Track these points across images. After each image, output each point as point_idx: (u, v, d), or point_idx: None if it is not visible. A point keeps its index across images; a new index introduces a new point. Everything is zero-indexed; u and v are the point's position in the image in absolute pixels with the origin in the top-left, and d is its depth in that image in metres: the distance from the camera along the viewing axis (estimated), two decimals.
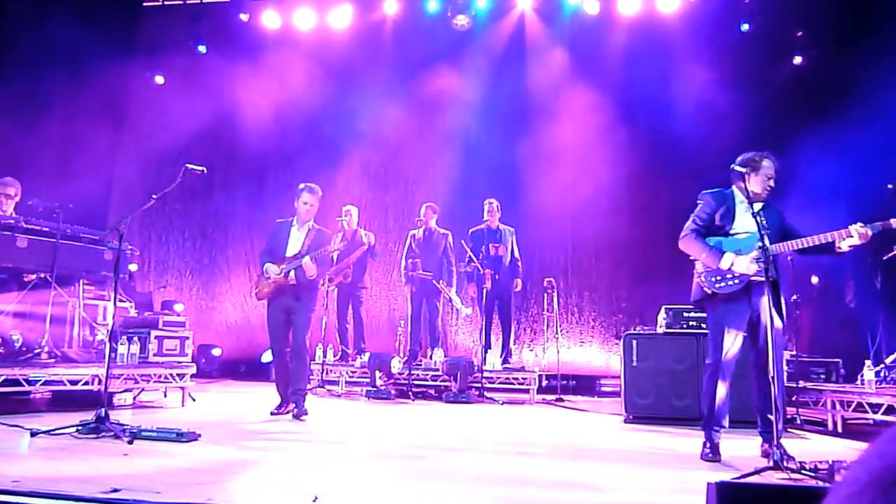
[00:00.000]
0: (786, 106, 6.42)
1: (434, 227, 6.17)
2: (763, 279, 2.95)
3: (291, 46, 7.75)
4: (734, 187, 3.13)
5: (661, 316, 4.42)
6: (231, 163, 7.55)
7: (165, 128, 7.21)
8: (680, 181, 5.93)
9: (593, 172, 6.86)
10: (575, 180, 7.09)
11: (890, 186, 5.00)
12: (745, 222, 3.07)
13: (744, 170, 2.97)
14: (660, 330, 4.40)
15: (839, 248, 2.85)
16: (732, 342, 2.98)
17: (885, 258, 4.84)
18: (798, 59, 6.86)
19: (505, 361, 5.99)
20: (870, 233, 2.80)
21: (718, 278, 3.01)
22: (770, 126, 6.33)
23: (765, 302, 2.95)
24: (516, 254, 6.19)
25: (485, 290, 5.77)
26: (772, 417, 2.97)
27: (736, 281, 2.97)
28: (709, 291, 3.04)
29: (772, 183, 3.06)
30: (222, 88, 7.42)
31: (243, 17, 7.79)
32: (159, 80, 7.90)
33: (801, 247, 2.92)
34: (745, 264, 2.95)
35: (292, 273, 4.14)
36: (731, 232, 3.06)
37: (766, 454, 3.03)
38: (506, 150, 7.08)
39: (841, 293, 6.16)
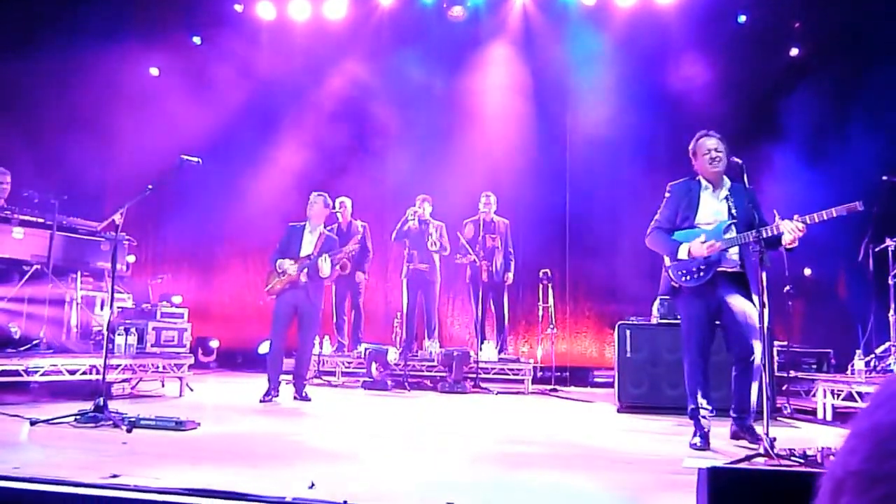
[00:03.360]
0: (782, 97, 6.43)
1: (428, 219, 6.18)
2: (730, 271, 2.99)
3: (286, 37, 7.71)
4: (700, 175, 3.14)
5: (656, 306, 4.46)
6: (226, 154, 7.53)
7: (161, 119, 7.17)
8: (676, 172, 5.92)
9: (589, 163, 6.87)
10: (571, 171, 7.10)
11: (885, 178, 5.04)
12: (710, 210, 3.07)
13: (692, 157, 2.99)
14: (654, 320, 4.45)
15: (785, 244, 2.80)
16: (702, 333, 3.03)
17: (876, 250, 4.89)
18: (795, 51, 6.86)
19: (501, 351, 6.04)
20: (802, 227, 2.71)
21: (684, 272, 3.03)
22: (767, 117, 6.35)
23: (734, 291, 2.97)
24: (510, 247, 6.22)
25: (480, 282, 5.80)
26: (751, 403, 3.01)
27: (700, 274, 2.98)
28: (675, 285, 3.08)
29: (713, 154, 3.00)
30: (217, 79, 7.38)
31: (238, 7, 7.73)
32: (154, 71, 7.85)
33: (750, 240, 2.86)
34: (697, 247, 2.94)
35: (305, 272, 4.40)
36: (696, 223, 3.07)
37: (735, 436, 3.09)
38: (501, 140, 7.08)
39: (833, 285, 6.22)
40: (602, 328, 7.04)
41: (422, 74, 7.29)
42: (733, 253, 3.00)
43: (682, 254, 3.00)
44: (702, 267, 2.98)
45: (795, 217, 2.76)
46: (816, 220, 2.74)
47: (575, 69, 7.08)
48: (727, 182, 3.09)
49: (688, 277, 3.02)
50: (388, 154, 7.59)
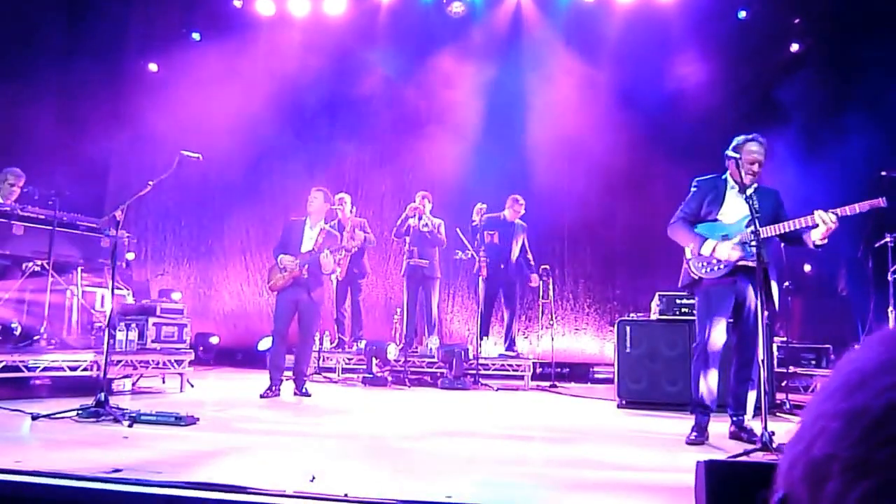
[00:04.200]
0: (782, 93, 6.42)
1: (428, 216, 6.19)
2: (750, 265, 3.00)
3: (286, 33, 7.70)
4: (728, 173, 3.16)
5: (655, 303, 4.47)
6: (226, 150, 7.52)
7: (160, 116, 7.17)
8: (676, 169, 5.94)
9: (589, 160, 6.87)
10: (571, 168, 7.10)
11: (883, 173, 5.04)
12: (734, 208, 3.09)
13: (736, 155, 2.98)
14: (653, 317, 4.46)
15: (813, 240, 2.81)
16: (718, 326, 3.03)
17: (876, 246, 4.89)
18: (795, 47, 6.85)
19: (510, 349, 6.07)
20: (834, 219, 2.73)
21: (704, 264, 3.05)
22: (767, 113, 6.34)
23: (751, 288, 2.99)
24: (528, 249, 6.23)
25: (480, 278, 5.81)
26: (749, 399, 3.01)
27: (721, 266, 3.00)
28: (695, 277, 3.09)
29: (755, 167, 3.03)
30: (217, 76, 7.37)
31: (237, 3, 7.72)
32: (153, 67, 7.85)
33: (780, 231, 2.91)
34: (725, 250, 2.98)
35: (306, 268, 4.41)
36: (719, 218, 3.09)
37: (734, 436, 3.08)
38: (501, 137, 7.08)
39: (833, 281, 6.23)
40: (602, 325, 7.06)
41: (421, 71, 7.28)
42: (755, 248, 3.02)
43: (706, 250, 3.02)
44: (722, 261, 3.00)
45: (830, 212, 2.76)
46: (839, 215, 2.77)
47: (574, 65, 7.07)
48: (753, 184, 3.11)
49: (708, 270, 3.03)
50: (388, 150, 7.59)
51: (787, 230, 2.88)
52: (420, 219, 6.08)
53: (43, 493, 1.78)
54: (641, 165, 6.79)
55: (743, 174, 3.03)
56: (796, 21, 6.84)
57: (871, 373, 0.30)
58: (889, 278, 4.70)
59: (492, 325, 6.42)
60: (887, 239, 4.76)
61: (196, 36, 7.77)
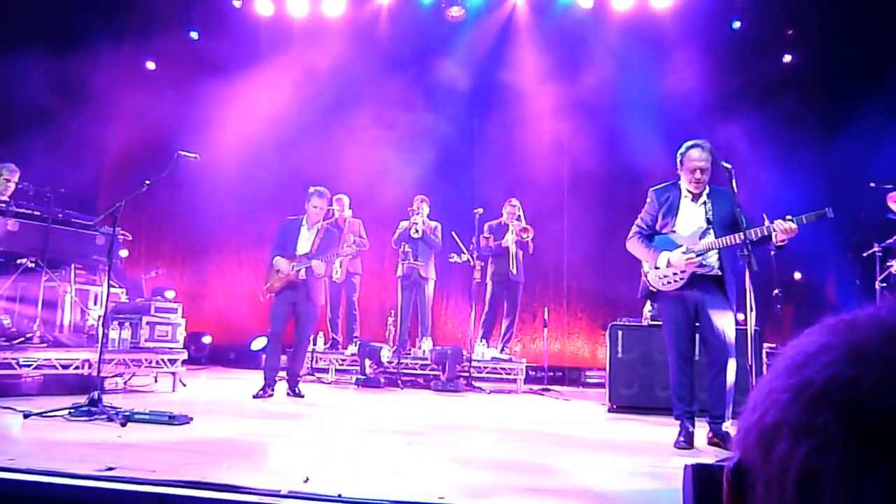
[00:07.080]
0: (775, 103, 6.51)
1: (425, 220, 6.22)
2: (708, 274, 3.01)
3: (284, 34, 7.71)
4: (682, 179, 3.15)
5: (647, 308, 4.51)
6: (223, 150, 7.52)
7: (157, 114, 7.15)
8: (670, 175, 5.99)
9: (584, 165, 6.92)
10: (565, 173, 7.15)
11: (872, 185, 5.12)
12: (689, 216, 3.10)
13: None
14: (645, 322, 4.50)
15: (776, 242, 2.83)
16: (682, 335, 3.06)
17: (864, 255, 4.97)
18: (788, 58, 6.96)
19: (503, 352, 6.10)
20: (794, 227, 2.76)
21: (661, 276, 3.07)
22: (759, 123, 6.42)
23: (709, 294, 2.99)
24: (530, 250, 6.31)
25: (488, 281, 5.88)
26: (726, 408, 3.03)
27: (678, 279, 3.02)
28: (653, 289, 3.11)
29: (697, 175, 2.99)
30: (214, 75, 7.37)
31: (236, 3, 7.73)
32: (151, 65, 7.83)
33: (729, 243, 2.91)
34: (677, 258, 2.99)
35: (303, 271, 4.37)
36: (675, 228, 3.10)
37: (712, 442, 3.08)
38: (497, 141, 7.12)
39: (822, 289, 6.31)
40: (594, 329, 7.10)
41: (420, 73, 7.31)
42: (711, 256, 3.03)
43: (662, 263, 3.05)
44: (678, 272, 3.02)
45: (788, 218, 2.80)
46: (804, 223, 2.81)
47: (570, 71, 7.13)
48: (707, 188, 3.12)
49: (666, 282, 3.06)
50: (385, 151, 7.60)
51: (737, 241, 2.86)
52: (413, 222, 6.12)
53: (36, 492, 1.79)
54: (635, 171, 6.85)
55: (687, 184, 3.03)
56: (789, 32, 6.94)
57: (814, 353, 0.36)
58: (876, 287, 4.78)
59: (494, 328, 6.43)
60: (875, 248, 4.84)
61: (194, 35, 7.76)
